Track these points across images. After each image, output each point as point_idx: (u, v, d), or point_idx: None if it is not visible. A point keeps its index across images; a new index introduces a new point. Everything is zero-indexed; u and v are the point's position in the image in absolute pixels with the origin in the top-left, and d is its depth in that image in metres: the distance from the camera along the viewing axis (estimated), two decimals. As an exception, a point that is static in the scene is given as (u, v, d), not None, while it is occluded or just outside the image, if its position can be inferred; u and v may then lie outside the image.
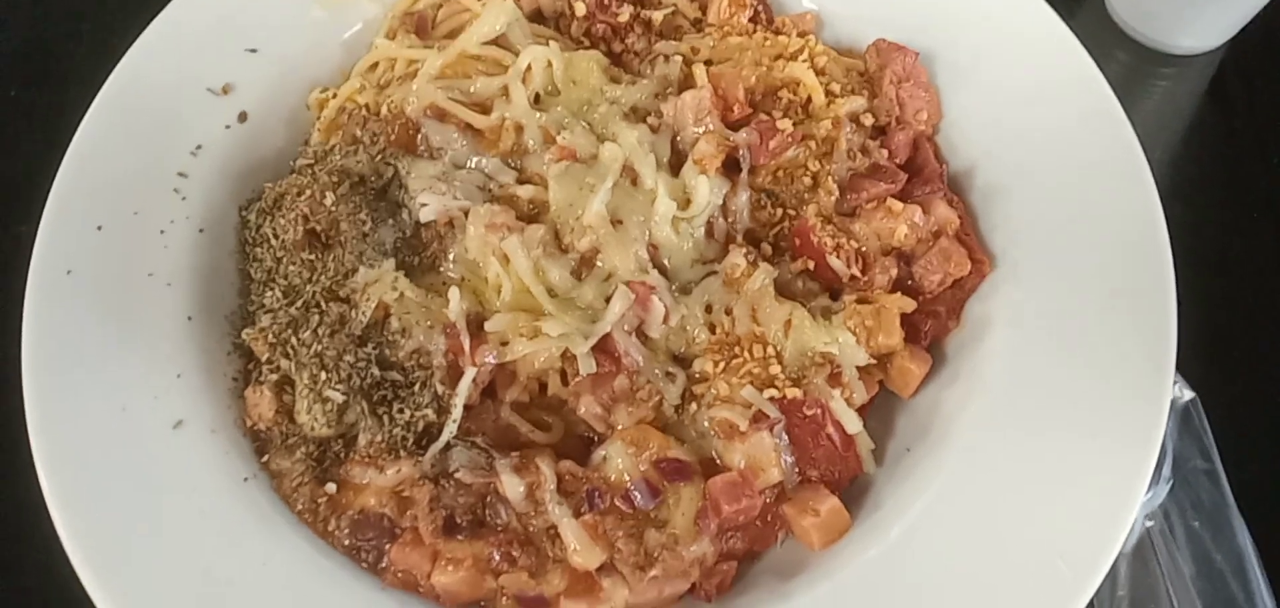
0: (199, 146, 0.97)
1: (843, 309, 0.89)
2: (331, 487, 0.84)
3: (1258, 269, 1.08)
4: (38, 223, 0.90)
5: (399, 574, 0.81)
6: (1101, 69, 1.00)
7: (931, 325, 0.91)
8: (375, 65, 1.03)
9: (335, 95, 1.01)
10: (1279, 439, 0.99)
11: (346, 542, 0.82)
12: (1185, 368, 0.95)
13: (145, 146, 0.95)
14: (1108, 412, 0.83)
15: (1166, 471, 0.91)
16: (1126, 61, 1.21)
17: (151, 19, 1.01)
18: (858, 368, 0.87)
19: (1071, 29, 1.17)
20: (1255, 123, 1.16)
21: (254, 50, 1.01)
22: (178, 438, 0.83)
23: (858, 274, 0.90)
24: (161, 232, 0.92)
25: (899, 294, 0.89)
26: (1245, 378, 1.01)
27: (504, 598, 0.81)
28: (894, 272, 0.91)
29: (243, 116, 0.99)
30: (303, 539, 0.82)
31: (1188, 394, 0.94)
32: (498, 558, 0.80)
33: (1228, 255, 1.08)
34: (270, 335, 0.86)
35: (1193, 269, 0.92)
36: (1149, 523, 0.90)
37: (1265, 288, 1.07)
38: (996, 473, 0.83)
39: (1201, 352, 0.95)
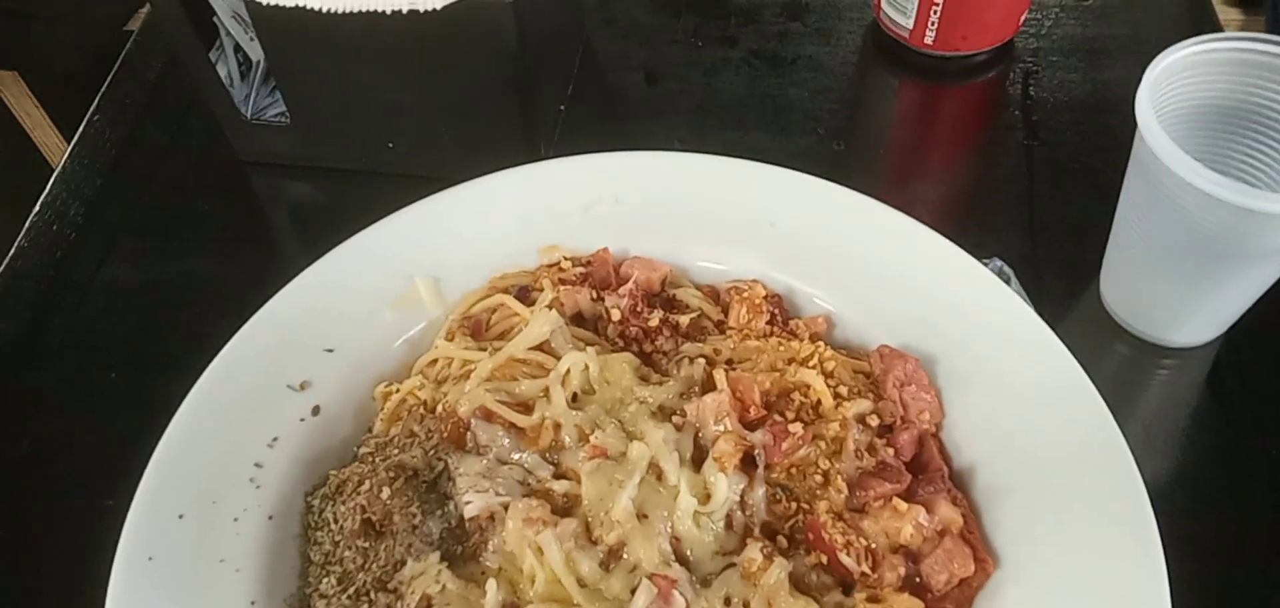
0: (275, 438, 1.08)
1: (854, 606, 0.94)
2: None
3: (1261, 556, 1.11)
4: (122, 498, 0.99)
5: None
6: (1102, 361, 1.07)
7: (942, 621, 0.95)
8: (434, 362, 1.15)
9: (397, 389, 1.13)
10: None
11: None
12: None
13: (229, 440, 1.06)
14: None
15: None
16: (1126, 354, 1.27)
17: (241, 315, 1.13)
18: (871, 664, 0.92)
19: (1071, 322, 1.25)
20: (1251, 413, 1.21)
21: (331, 350, 1.14)
22: (234, 720, 0.90)
23: (868, 571, 0.96)
24: (235, 519, 1.01)
25: (907, 596, 0.94)
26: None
27: None
28: (902, 569, 0.96)
29: (316, 410, 1.11)
30: None
31: (1200, 693, 0.96)
32: None
33: (1231, 544, 1.11)
34: (324, 622, 0.94)
35: (1197, 559, 0.95)
36: None
37: (1268, 576, 1.09)
38: None
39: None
